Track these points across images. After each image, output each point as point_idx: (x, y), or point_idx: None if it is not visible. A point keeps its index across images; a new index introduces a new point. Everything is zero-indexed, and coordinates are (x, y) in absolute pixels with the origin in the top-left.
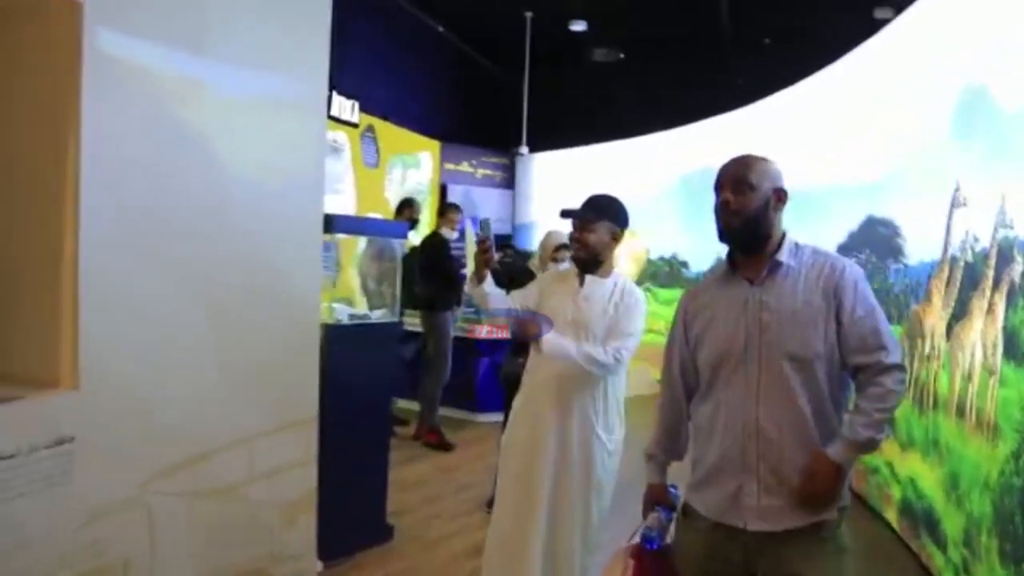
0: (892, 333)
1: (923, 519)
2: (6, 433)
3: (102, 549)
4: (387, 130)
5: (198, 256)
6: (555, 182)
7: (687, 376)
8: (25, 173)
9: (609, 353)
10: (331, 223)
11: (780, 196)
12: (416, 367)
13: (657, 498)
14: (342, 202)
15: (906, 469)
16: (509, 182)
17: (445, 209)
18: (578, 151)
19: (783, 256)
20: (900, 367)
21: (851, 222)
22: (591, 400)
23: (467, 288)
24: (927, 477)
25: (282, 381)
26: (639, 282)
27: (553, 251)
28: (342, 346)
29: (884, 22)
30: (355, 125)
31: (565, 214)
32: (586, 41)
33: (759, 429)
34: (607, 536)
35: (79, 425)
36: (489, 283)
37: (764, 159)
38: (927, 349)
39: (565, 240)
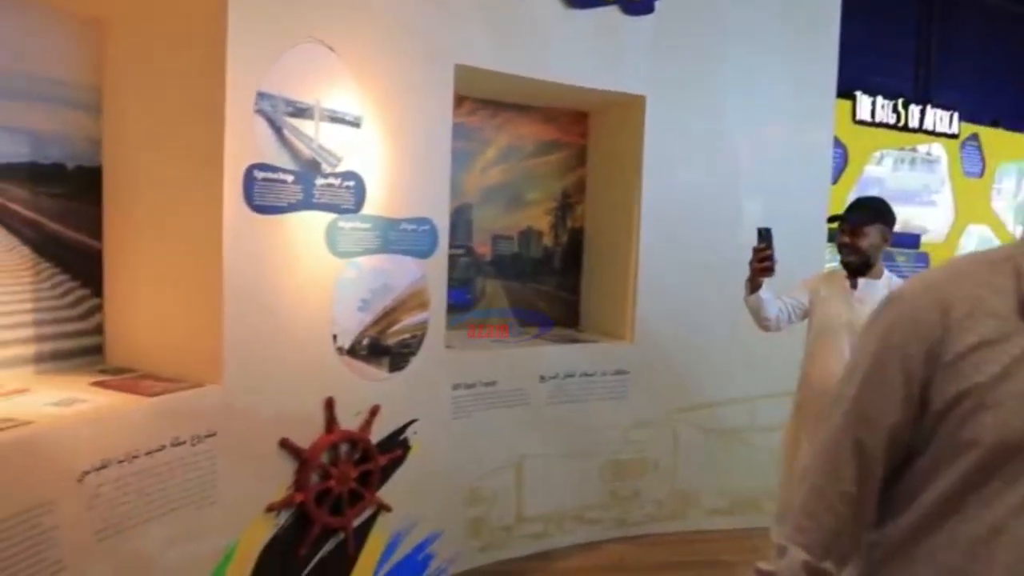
0: None
1: None
2: (590, 360)
3: (642, 448)
4: (996, 137)
5: (718, 261)
6: None
7: (895, 451)
8: (617, 202)
9: None
10: None
11: None
12: None
13: None
14: (935, 214)
15: None
16: None
17: None
18: None
19: None
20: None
21: None
22: None
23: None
24: None
25: (781, 358)
26: None
27: None
28: None
29: None
30: (954, 136)
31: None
32: None
33: None
34: None
35: (633, 364)
36: (764, 290)
37: None
38: None
39: None
